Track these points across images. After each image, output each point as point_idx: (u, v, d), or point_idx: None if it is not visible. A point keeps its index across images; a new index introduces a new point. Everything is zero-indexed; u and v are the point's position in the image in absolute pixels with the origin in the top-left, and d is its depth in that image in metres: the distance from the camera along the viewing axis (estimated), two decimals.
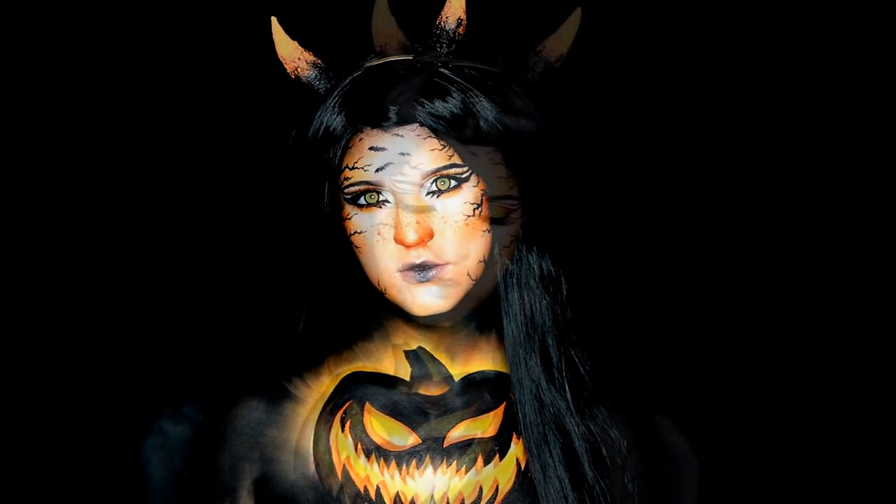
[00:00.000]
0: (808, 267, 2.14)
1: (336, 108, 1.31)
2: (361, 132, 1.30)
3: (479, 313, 1.39)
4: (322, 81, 1.34)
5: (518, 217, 1.34)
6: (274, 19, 1.29)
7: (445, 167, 1.29)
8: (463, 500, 1.36)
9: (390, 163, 1.28)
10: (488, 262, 1.34)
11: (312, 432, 1.40)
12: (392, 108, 1.28)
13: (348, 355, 1.44)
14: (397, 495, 1.36)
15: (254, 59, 2.12)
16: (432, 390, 1.41)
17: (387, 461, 1.37)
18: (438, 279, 1.30)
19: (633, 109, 2.14)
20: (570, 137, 1.36)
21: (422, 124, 1.28)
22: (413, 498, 1.36)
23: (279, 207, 1.44)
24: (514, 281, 1.38)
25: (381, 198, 1.30)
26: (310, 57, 1.33)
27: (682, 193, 2.16)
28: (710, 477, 1.48)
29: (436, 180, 1.30)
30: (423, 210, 1.29)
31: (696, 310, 2.18)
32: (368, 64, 1.34)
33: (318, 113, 1.32)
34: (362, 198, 1.30)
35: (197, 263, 2.15)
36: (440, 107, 1.28)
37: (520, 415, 1.37)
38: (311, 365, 1.45)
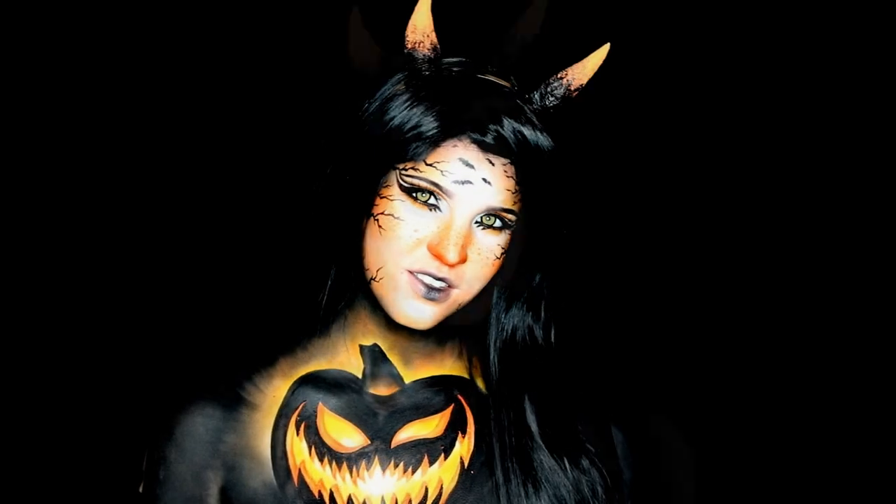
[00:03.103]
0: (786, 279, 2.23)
1: (432, 111, 1.27)
2: (457, 139, 1.28)
3: (440, 327, 1.38)
4: (432, 66, 1.31)
5: (511, 235, 1.34)
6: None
7: (506, 210, 1.30)
8: (410, 500, 1.37)
9: (470, 182, 1.28)
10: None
11: (270, 437, 1.39)
12: (501, 135, 1.27)
13: (303, 355, 1.43)
14: (349, 498, 1.37)
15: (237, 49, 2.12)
16: (381, 390, 1.41)
17: (338, 464, 1.37)
18: (441, 302, 1.31)
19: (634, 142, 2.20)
20: (579, 162, 1.38)
21: (512, 163, 1.29)
22: (365, 500, 1.37)
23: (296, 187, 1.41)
24: (504, 299, 1.41)
25: (437, 203, 1.29)
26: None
27: (665, 213, 2.24)
28: (705, 471, 1.49)
29: (492, 216, 1.30)
30: (467, 236, 1.29)
31: (683, 317, 2.24)
32: (464, 70, 1.32)
33: (400, 104, 1.28)
34: (419, 193, 1.29)
35: (151, 269, 2.15)
36: (537, 160, 1.29)
37: (494, 431, 1.39)
38: (261, 367, 1.43)
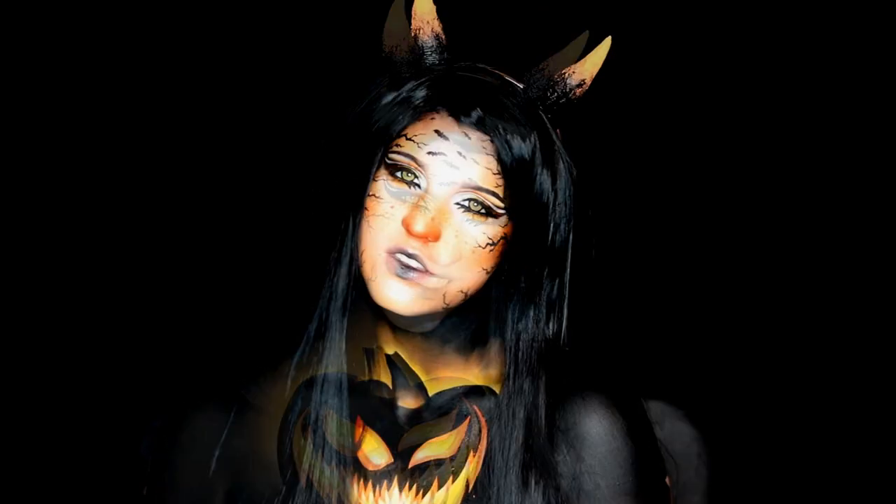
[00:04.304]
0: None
1: (424, 85, 1.29)
2: (436, 112, 1.28)
3: (459, 331, 1.38)
4: (410, 69, 1.32)
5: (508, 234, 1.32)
6: None
7: (487, 190, 1.28)
8: None
9: (443, 153, 1.27)
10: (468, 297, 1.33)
11: (275, 441, 1.39)
12: (479, 109, 1.27)
13: (307, 358, 1.41)
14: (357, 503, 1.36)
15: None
16: (408, 403, 1.40)
17: (345, 465, 1.36)
18: (417, 284, 1.28)
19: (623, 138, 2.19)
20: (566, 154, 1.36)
21: (492, 141, 1.27)
22: None
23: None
24: (506, 299, 1.37)
25: (416, 180, 1.28)
26: (412, 42, 1.32)
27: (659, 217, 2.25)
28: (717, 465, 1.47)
29: (472, 198, 1.28)
30: (443, 212, 1.28)
31: (687, 313, 2.25)
32: (475, 65, 1.34)
33: (403, 88, 1.31)
34: (402, 172, 1.29)
35: (155, 274, 2.17)
36: (517, 145, 1.28)
37: (505, 434, 1.36)
38: (266, 371, 1.42)
